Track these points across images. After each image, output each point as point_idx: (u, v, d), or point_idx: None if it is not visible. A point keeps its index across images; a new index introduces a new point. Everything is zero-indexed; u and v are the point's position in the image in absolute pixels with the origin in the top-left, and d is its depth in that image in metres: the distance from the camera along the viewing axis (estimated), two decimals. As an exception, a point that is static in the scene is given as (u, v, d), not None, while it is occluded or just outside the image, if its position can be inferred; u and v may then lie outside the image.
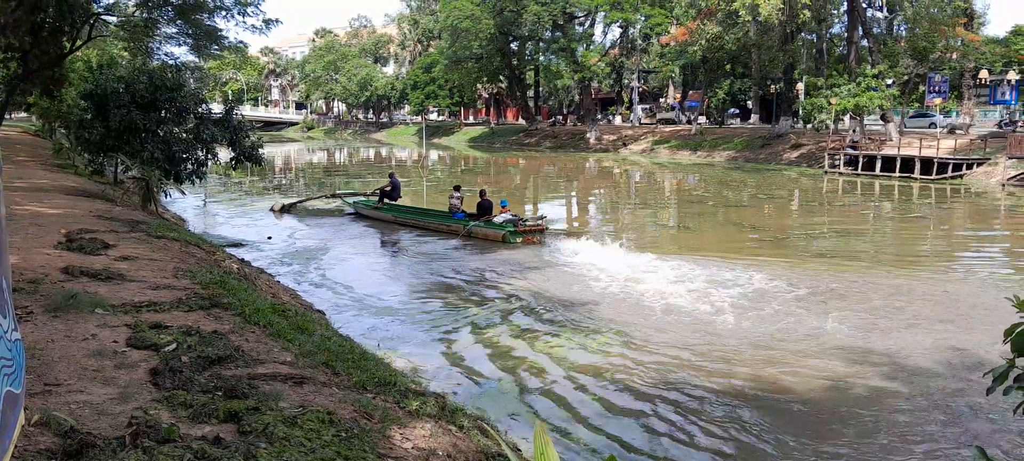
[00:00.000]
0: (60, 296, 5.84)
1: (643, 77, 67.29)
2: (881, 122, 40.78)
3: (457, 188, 19.01)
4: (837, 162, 35.66)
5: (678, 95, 64.74)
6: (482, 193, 18.14)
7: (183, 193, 19.05)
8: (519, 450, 5.37)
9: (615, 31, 59.24)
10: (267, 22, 29.68)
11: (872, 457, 6.31)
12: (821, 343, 9.22)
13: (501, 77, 63.46)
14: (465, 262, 14.67)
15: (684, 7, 43.71)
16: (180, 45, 35.99)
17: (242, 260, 12.06)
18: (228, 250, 12.94)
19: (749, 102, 60.26)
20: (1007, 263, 16.06)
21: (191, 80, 22.13)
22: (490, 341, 9.45)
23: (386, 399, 4.89)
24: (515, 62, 60.68)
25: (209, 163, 18.12)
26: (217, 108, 18.57)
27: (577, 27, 56.43)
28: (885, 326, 9.97)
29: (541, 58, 60.64)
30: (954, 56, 42.76)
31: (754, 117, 56.48)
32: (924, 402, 7.43)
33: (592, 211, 26.71)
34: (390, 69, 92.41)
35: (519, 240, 16.36)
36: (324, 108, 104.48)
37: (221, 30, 30.16)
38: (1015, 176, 28.38)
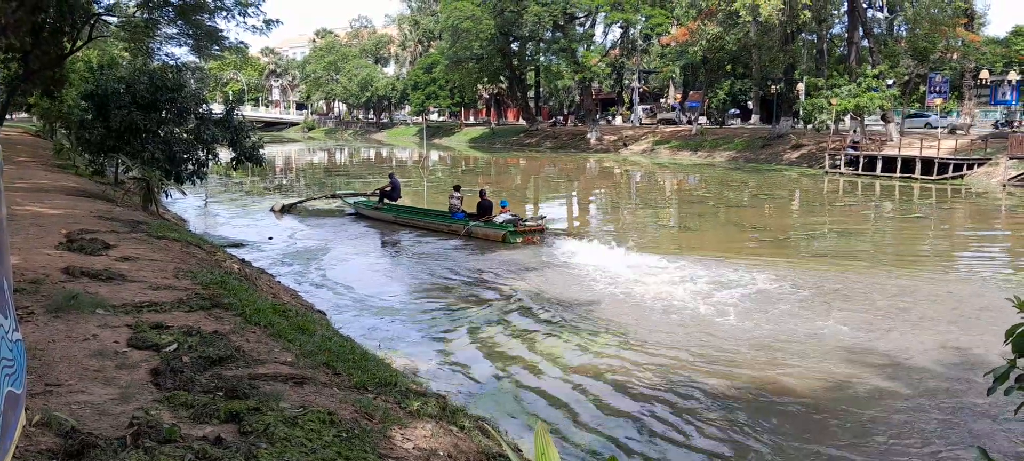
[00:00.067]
0: (61, 296, 5.85)
1: (644, 77, 67.29)
2: (882, 122, 40.78)
3: (457, 188, 19.01)
4: (838, 162, 35.64)
5: (679, 95, 64.75)
6: (482, 193, 18.14)
7: (184, 193, 19.06)
8: (520, 450, 5.37)
9: (616, 31, 59.25)
10: (267, 22, 29.71)
11: (873, 458, 6.31)
12: (823, 344, 9.21)
13: (502, 78, 63.45)
14: (465, 262, 14.67)
15: (685, 7, 43.71)
16: (181, 46, 36.02)
17: (243, 260, 12.07)
18: (229, 250, 12.95)
19: (750, 102, 60.25)
20: (1008, 263, 16.05)
21: (192, 80, 22.13)
22: (491, 341, 9.45)
23: (387, 399, 4.89)
24: (516, 62, 60.68)
25: (210, 163, 18.14)
26: (218, 108, 18.58)
27: (578, 27, 56.42)
28: (888, 327, 9.96)
29: (542, 58, 60.63)
30: (955, 56, 42.78)
31: (755, 117, 56.47)
32: (926, 402, 7.43)
33: (593, 211, 26.71)
34: (391, 70, 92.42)
35: (519, 240, 16.37)
36: (325, 109, 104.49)
37: (222, 31, 30.19)
38: (1016, 176, 28.37)
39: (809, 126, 40.73)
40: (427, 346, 9.22)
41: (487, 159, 51.45)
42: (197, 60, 36.38)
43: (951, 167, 31.13)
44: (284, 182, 34.96)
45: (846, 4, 39.44)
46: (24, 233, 8.96)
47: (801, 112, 41.64)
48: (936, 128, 40.60)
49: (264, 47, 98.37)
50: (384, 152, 61.47)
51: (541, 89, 69.56)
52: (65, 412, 3.59)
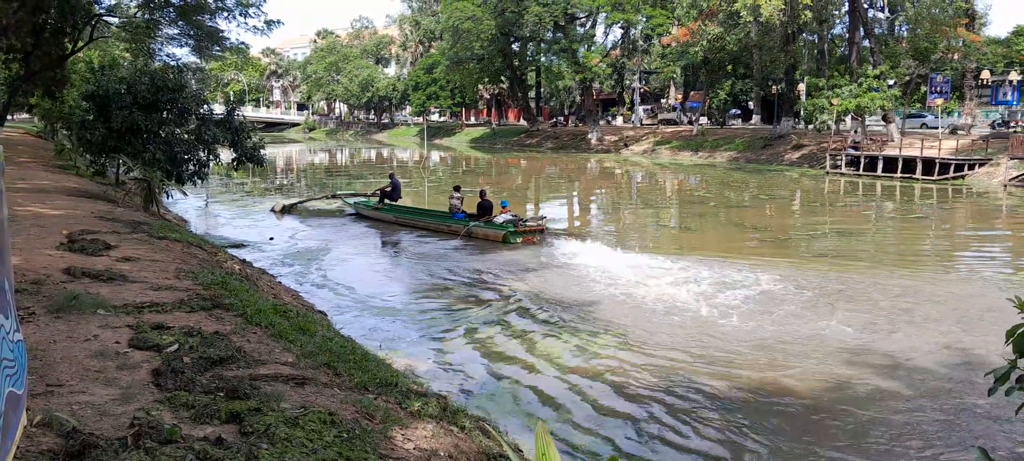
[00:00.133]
0: (62, 297, 5.85)
1: (644, 78, 67.29)
2: (882, 123, 40.76)
3: (457, 188, 19.02)
4: (839, 163, 35.63)
5: (679, 96, 64.76)
6: (482, 193, 18.15)
7: (185, 194, 19.07)
8: (521, 451, 5.37)
9: (616, 32, 59.28)
10: (268, 23, 29.77)
11: (873, 458, 6.30)
12: (825, 344, 9.21)
13: (502, 78, 63.45)
14: (465, 263, 14.68)
15: (685, 8, 43.71)
16: (182, 46, 36.13)
17: (244, 261, 12.07)
18: (230, 251, 12.96)
19: (750, 103, 60.24)
20: (1009, 263, 16.03)
21: (193, 81, 22.12)
22: (491, 342, 9.45)
23: (388, 400, 4.89)
24: (516, 63, 60.69)
25: (211, 164, 18.13)
26: (219, 109, 18.59)
27: (578, 28, 56.43)
28: (891, 328, 9.96)
29: (542, 59, 60.65)
30: (956, 57, 42.76)
31: (755, 118, 56.46)
32: (927, 403, 7.42)
33: (593, 212, 26.71)
34: (391, 70, 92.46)
35: (519, 240, 16.37)
36: (326, 109, 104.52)
37: (222, 31, 30.24)
38: (1017, 177, 28.34)
39: (810, 126, 40.72)
40: (428, 346, 9.22)
41: (488, 159, 51.45)
42: (198, 61, 36.43)
43: (952, 167, 31.12)
44: (285, 182, 34.98)
45: (847, 4, 39.42)
46: (25, 234, 8.97)
47: (802, 112, 41.63)
48: (932, 128, 40.70)
49: (265, 48, 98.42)
50: (385, 152, 61.48)
51: (542, 89, 69.59)
52: (66, 412, 3.59)
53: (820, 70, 40.47)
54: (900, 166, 32.44)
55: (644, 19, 53.17)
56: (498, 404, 7.29)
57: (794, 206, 26.56)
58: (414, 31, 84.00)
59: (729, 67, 52.19)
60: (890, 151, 34.65)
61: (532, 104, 67.33)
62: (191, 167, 17.27)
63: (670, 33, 50.74)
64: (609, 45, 62.81)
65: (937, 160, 31.49)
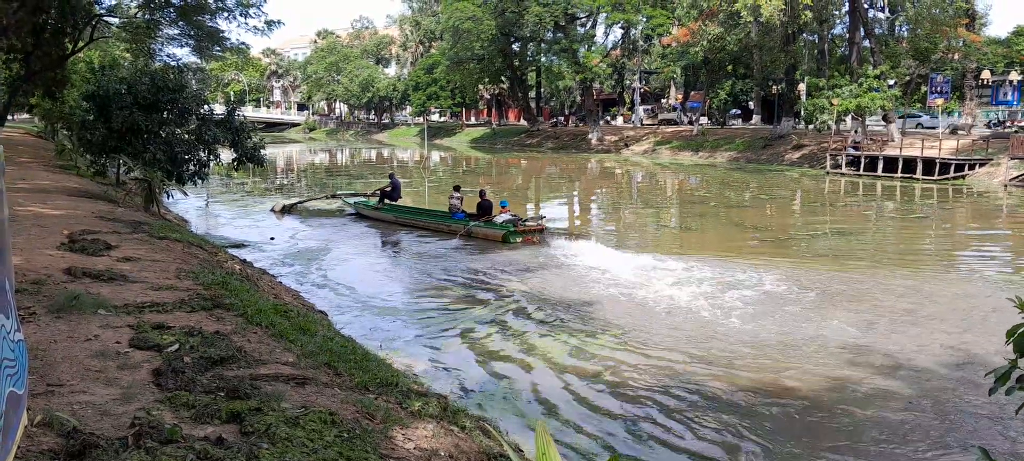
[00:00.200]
0: (63, 297, 5.86)
1: (645, 78, 67.29)
2: (883, 123, 40.77)
3: (457, 188, 19.03)
4: (839, 163, 35.63)
5: (680, 96, 64.76)
6: (482, 193, 18.16)
7: (185, 194, 19.06)
8: (521, 451, 5.37)
9: (617, 32, 59.31)
10: (269, 23, 29.84)
11: (874, 458, 6.30)
12: (825, 345, 9.20)
13: (503, 78, 63.46)
14: (465, 262, 14.68)
15: (686, 8, 43.71)
16: (182, 46, 36.19)
17: (244, 261, 12.07)
18: (230, 251, 12.96)
19: (751, 103, 60.24)
20: (1009, 262, 16.03)
21: (193, 81, 22.13)
22: (491, 342, 9.45)
23: (388, 400, 4.89)
24: (517, 63, 60.70)
25: (211, 164, 18.14)
26: (219, 109, 18.60)
27: (579, 28, 56.43)
28: (891, 328, 9.95)
29: (543, 59, 60.66)
30: (956, 57, 42.75)
31: (756, 118, 56.46)
32: (928, 403, 7.42)
33: (594, 211, 26.71)
34: (392, 70, 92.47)
35: (519, 240, 16.38)
36: (326, 109, 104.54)
37: (223, 31, 30.30)
38: (1017, 177, 28.34)
39: (810, 126, 40.72)
40: (428, 346, 9.22)
41: (488, 159, 51.46)
42: (198, 61, 36.48)
43: (952, 167, 31.13)
44: (285, 182, 34.99)
45: (847, 4, 39.42)
46: (26, 234, 8.98)
47: (802, 112, 41.63)
48: (927, 128, 40.78)
49: (265, 48, 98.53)
50: (385, 153, 61.49)
51: (542, 89, 69.60)
52: (67, 412, 3.60)
53: (820, 70, 40.47)
54: (900, 166, 32.45)
55: (644, 19, 53.18)
56: (498, 404, 7.29)
57: (794, 206, 26.56)
58: (414, 31, 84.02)
59: (729, 67, 52.20)
60: (890, 151, 34.65)
61: (532, 104, 67.34)
62: (191, 167, 17.27)
63: (670, 33, 50.74)
64: (609, 45, 62.83)
65: (937, 160, 31.50)
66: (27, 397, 2.23)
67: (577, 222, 23.45)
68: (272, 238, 17.19)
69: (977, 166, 31.14)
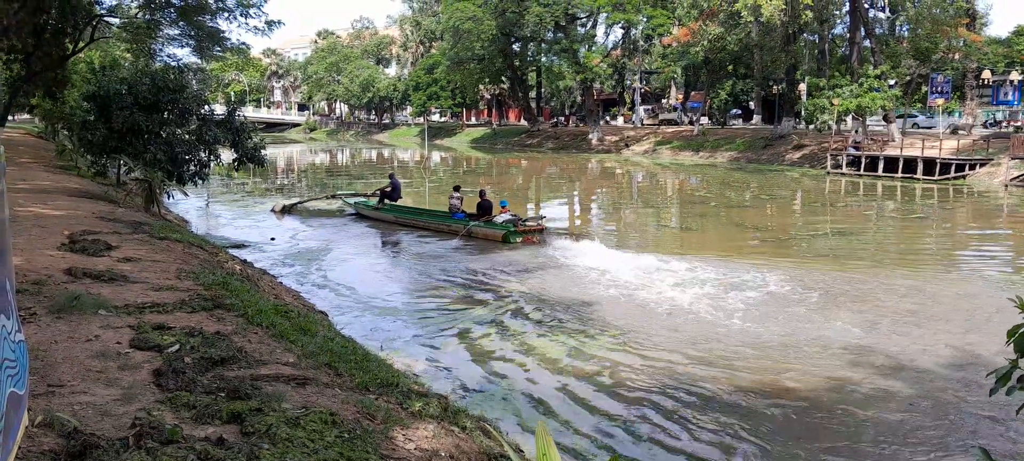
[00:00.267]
0: (63, 297, 5.86)
1: (645, 78, 67.30)
2: (883, 123, 40.76)
3: (457, 188, 19.05)
4: (839, 163, 35.63)
5: (680, 96, 64.77)
6: (482, 193, 18.17)
7: (186, 194, 19.07)
8: (521, 451, 5.36)
9: (617, 32, 59.33)
10: (269, 24, 29.86)
11: (875, 459, 6.30)
12: (827, 345, 9.19)
13: (503, 78, 63.47)
14: (465, 263, 14.68)
15: (686, 8, 43.70)
16: (182, 47, 36.20)
17: (245, 261, 12.07)
18: (231, 251, 12.96)
19: (751, 103, 60.24)
20: (1010, 262, 16.02)
21: (193, 81, 22.13)
22: (491, 342, 9.45)
23: (388, 400, 4.89)
24: (517, 63, 60.71)
25: (211, 164, 18.14)
26: (220, 110, 18.60)
27: (579, 28, 56.44)
28: (892, 328, 9.94)
29: (543, 59, 60.67)
30: (956, 56, 42.73)
31: (756, 118, 56.46)
32: (929, 403, 7.41)
33: (594, 212, 26.71)
34: (392, 70, 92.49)
35: (519, 240, 16.39)
36: (326, 109, 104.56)
37: (223, 32, 30.32)
38: (1018, 177, 28.34)
39: (811, 126, 40.71)
40: (428, 347, 9.22)
41: (489, 160, 51.46)
42: (199, 61, 36.50)
43: (953, 167, 31.13)
44: (285, 183, 35.00)
45: (848, 4, 39.41)
46: (27, 234, 8.98)
47: (803, 112, 41.63)
48: (923, 128, 40.79)
49: (266, 48, 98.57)
50: (386, 153, 61.50)
51: (543, 90, 69.59)
52: (67, 413, 3.60)
53: (821, 70, 40.47)
54: (901, 166, 32.44)
55: (645, 19, 53.18)
56: (499, 404, 7.28)
57: (795, 206, 26.56)
58: (415, 31, 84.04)
59: (730, 67, 52.19)
60: (891, 151, 34.64)
61: (533, 104, 67.34)
62: (192, 167, 17.27)
63: (671, 33, 50.73)
64: (610, 45, 62.85)
65: (938, 160, 31.49)
66: (28, 398, 2.23)
67: (577, 222, 23.45)
68: (272, 238, 17.19)
69: (978, 166, 31.13)
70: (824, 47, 41.96)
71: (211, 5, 28.37)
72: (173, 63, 28.81)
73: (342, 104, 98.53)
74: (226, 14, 28.83)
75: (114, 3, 30.56)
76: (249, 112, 69.93)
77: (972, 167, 31.17)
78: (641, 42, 58.38)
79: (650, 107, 64.75)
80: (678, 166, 43.32)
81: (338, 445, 3.67)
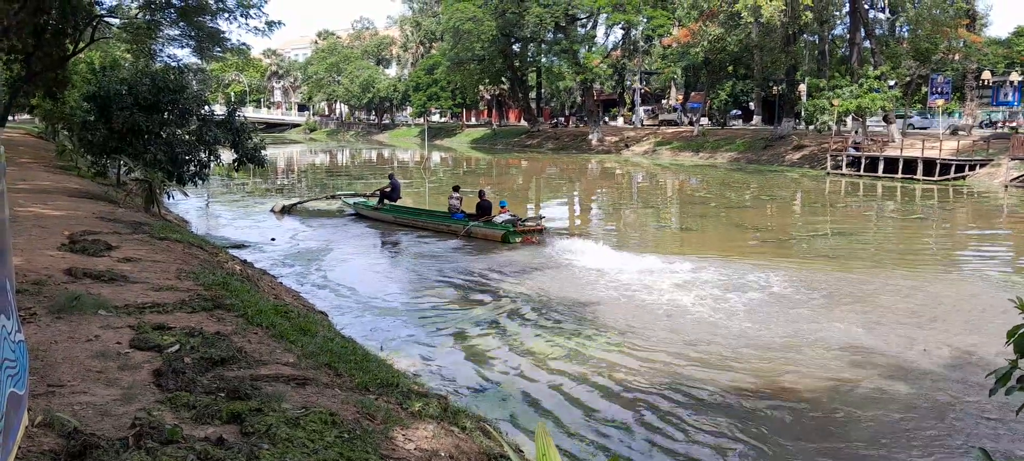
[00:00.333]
0: (63, 298, 5.86)
1: (645, 79, 67.31)
2: (883, 123, 40.77)
3: (456, 188, 19.06)
4: (839, 163, 35.64)
5: (680, 96, 64.80)
6: (481, 193, 18.18)
7: (186, 194, 19.08)
8: (521, 451, 5.37)
9: (617, 33, 59.39)
10: (269, 24, 29.87)
11: (875, 459, 6.30)
12: (828, 345, 9.19)
13: (503, 79, 63.49)
14: (465, 263, 14.68)
15: (686, 9, 43.73)
16: (183, 47, 36.20)
17: (245, 261, 12.07)
18: (231, 251, 12.95)
19: (751, 103, 60.25)
20: (1010, 262, 16.02)
21: (194, 82, 22.14)
22: (491, 342, 9.45)
23: (388, 400, 4.89)
24: (517, 64, 60.72)
25: (212, 165, 18.14)
26: (220, 110, 18.60)
27: (579, 29, 56.46)
28: (892, 328, 9.93)
29: (543, 60, 60.68)
30: (956, 57, 42.76)
31: (756, 118, 56.48)
32: (929, 404, 7.41)
33: (594, 212, 26.71)
34: (392, 71, 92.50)
35: (518, 240, 16.39)
36: (326, 110, 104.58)
37: (223, 32, 30.33)
38: (1018, 177, 28.34)
39: (811, 127, 40.71)
40: (428, 347, 9.22)
41: (489, 160, 51.46)
42: (199, 61, 36.50)
43: (953, 168, 31.14)
44: (285, 183, 35.00)
45: (848, 5, 39.43)
46: (27, 234, 8.98)
47: (803, 113, 41.64)
48: (918, 128, 40.82)
49: (266, 49, 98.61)
50: (386, 153, 61.51)
51: (543, 90, 69.60)
52: (67, 413, 3.60)
53: (821, 71, 40.48)
54: (901, 167, 32.45)
55: (645, 20, 53.20)
56: (498, 404, 7.28)
57: (795, 206, 26.56)
58: (415, 32, 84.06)
59: (730, 68, 52.21)
60: (891, 152, 34.65)
61: (533, 105, 67.35)
62: (192, 168, 17.28)
63: (671, 34, 50.76)
64: (610, 46, 62.88)
65: (938, 161, 31.51)
66: (28, 398, 2.23)
67: (577, 223, 23.45)
68: (272, 239, 17.19)
69: (977, 167, 31.15)
70: (824, 48, 41.98)
71: (211, 6, 28.38)
72: (173, 63, 28.82)
73: (342, 105, 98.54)
74: (226, 15, 28.86)
75: (114, 4, 30.57)
76: (249, 112, 69.98)
77: (972, 168, 31.18)
78: (641, 43, 58.40)
79: (650, 108, 64.77)
80: (678, 167, 43.32)
81: (338, 445, 3.67)
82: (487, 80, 63.93)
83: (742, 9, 37.70)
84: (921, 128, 42.33)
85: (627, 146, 53.45)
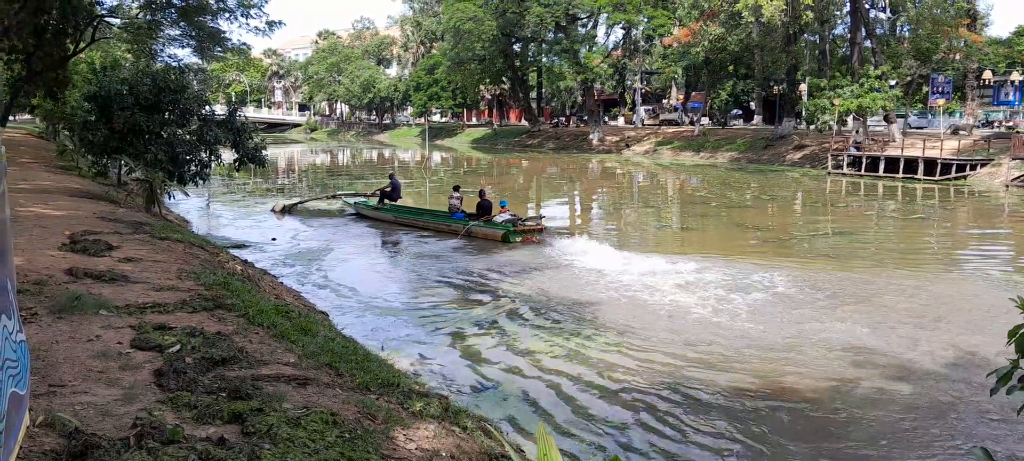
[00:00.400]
0: (64, 298, 5.86)
1: (646, 78, 67.28)
2: (884, 123, 40.74)
3: (457, 188, 19.07)
4: (840, 163, 35.61)
5: (681, 96, 64.74)
6: (481, 193, 18.18)
7: (187, 194, 19.09)
8: (522, 451, 5.36)
9: (618, 32, 59.35)
10: (270, 24, 29.90)
11: (876, 459, 6.30)
12: (829, 345, 9.19)
13: (504, 78, 63.48)
14: (465, 262, 14.68)
15: (687, 8, 43.71)
16: (183, 47, 36.21)
17: (245, 261, 12.07)
18: (232, 251, 12.96)
19: (752, 103, 60.24)
20: (1011, 261, 16.00)
21: (194, 82, 22.16)
22: (492, 342, 9.45)
23: (389, 400, 4.89)
24: (518, 63, 60.72)
25: (212, 165, 18.16)
26: (220, 110, 18.61)
27: (580, 28, 56.43)
28: (893, 328, 9.93)
29: (544, 59, 60.68)
30: (957, 57, 42.74)
31: (757, 118, 56.46)
32: (930, 403, 7.41)
33: (595, 212, 26.71)
34: (393, 71, 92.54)
35: (519, 239, 16.40)
36: (327, 110, 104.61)
37: (224, 32, 30.35)
38: (1019, 177, 28.33)
39: (812, 127, 40.71)
40: (429, 347, 9.22)
41: (489, 160, 51.46)
42: (200, 61, 36.51)
43: (954, 168, 31.12)
44: (286, 183, 35.01)
45: (849, 5, 39.40)
46: (28, 234, 8.99)
47: (804, 113, 41.62)
48: (914, 128, 40.82)
49: (267, 48, 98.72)
50: (386, 153, 61.52)
51: (543, 90, 69.60)
52: (69, 413, 3.60)
53: (822, 70, 40.46)
54: (902, 166, 32.44)
55: (645, 20, 53.19)
56: (499, 404, 7.28)
57: (796, 206, 26.55)
58: (415, 32, 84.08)
59: (731, 67, 52.22)
60: (892, 151, 34.64)
61: (533, 105, 67.34)
62: (193, 168, 17.29)
63: (671, 33, 50.75)
64: (611, 45, 62.84)
65: (939, 161, 31.49)
66: (29, 397, 2.23)
67: (578, 222, 23.45)
68: (273, 238, 17.20)
69: (978, 166, 31.13)
70: (825, 47, 41.95)
71: (212, 5, 28.40)
72: (174, 63, 28.85)
73: (343, 104, 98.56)
74: (227, 15, 28.90)
75: (115, 4, 30.59)
76: (250, 112, 69.91)
77: (973, 167, 31.16)
78: (642, 42, 58.38)
79: (651, 107, 64.76)
80: (679, 166, 43.31)
81: (339, 445, 3.67)
82: (488, 80, 63.93)
83: (743, 9, 37.68)
84: (917, 128, 42.28)
85: (628, 146, 53.45)
